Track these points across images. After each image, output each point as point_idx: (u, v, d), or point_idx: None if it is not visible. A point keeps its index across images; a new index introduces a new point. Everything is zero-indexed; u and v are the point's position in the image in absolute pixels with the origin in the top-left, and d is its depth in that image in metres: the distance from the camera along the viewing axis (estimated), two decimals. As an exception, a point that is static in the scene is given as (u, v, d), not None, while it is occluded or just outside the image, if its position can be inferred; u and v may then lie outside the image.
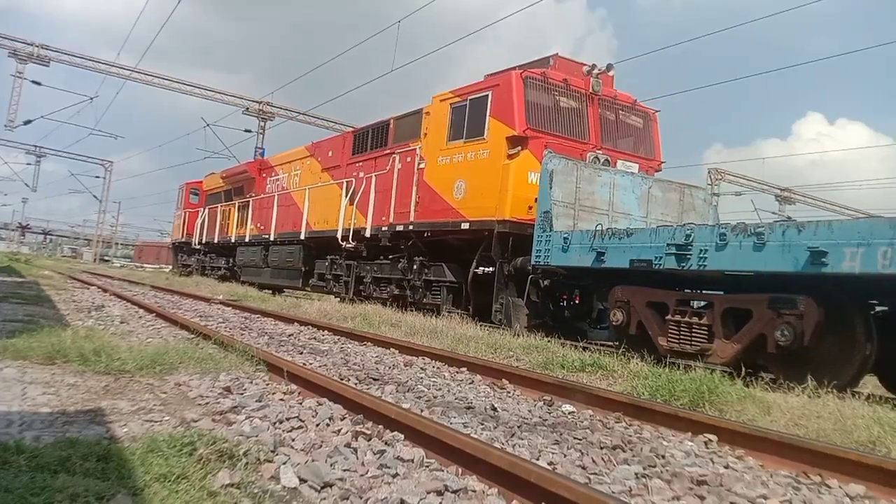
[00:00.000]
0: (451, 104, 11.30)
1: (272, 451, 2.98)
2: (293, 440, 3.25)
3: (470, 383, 5.58)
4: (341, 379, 5.04)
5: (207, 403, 3.95)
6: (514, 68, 10.55)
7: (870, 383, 7.21)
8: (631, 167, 10.58)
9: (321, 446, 3.16)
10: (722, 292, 6.91)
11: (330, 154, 15.94)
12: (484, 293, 10.23)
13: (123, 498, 2.24)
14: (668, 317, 7.10)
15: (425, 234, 11.59)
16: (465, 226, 10.49)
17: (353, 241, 13.60)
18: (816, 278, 5.78)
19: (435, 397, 4.80)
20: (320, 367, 5.75)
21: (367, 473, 2.83)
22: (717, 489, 3.03)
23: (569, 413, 4.63)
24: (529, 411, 4.59)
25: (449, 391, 5.09)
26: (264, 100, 33.40)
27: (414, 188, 11.79)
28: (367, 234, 13.02)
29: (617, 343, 7.82)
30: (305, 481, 2.66)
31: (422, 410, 4.21)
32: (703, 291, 7.24)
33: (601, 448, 3.61)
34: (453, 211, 10.78)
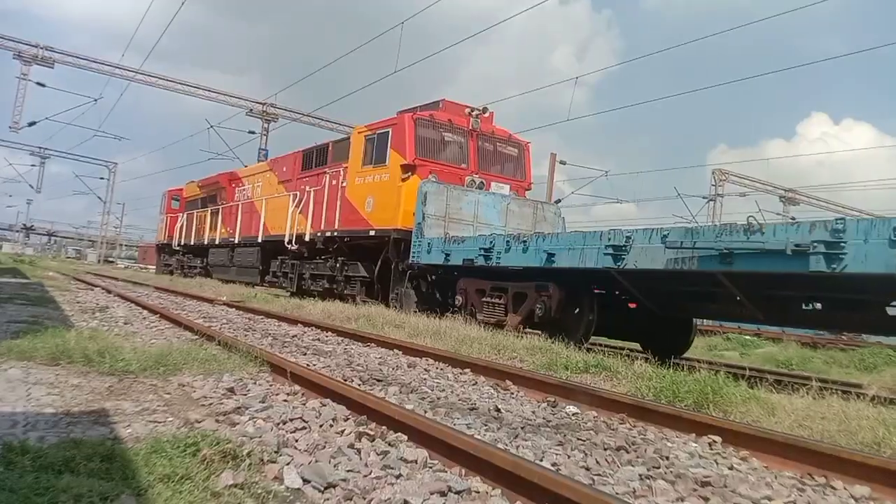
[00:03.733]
0: (365, 136, 13.75)
1: (276, 452, 2.98)
2: (297, 441, 3.25)
3: (473, 384, 5.57)
4: (345, 380, 5.04)
5: (211, 404, 3.95)
6: (414, 108, 13.35)
7: (874, 384, 7.19)
8: (503, 188, 13.31)
9: (325, 447, 3.16)
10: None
11: (284, 169, 18.38)
12: (388, 285, 12.80)
13: (127, 498, 2.24)
14: (484, 299, 10.08)
15: (346, 239, 14.13)
16: (372, 233, 12.99)
17: (296, 244, 16.04)
18: (553, 271, 8.63)
19: (438, 398, 4.79)
20: (324, 368, 5.75)
21: (370, 474, 2.83)
22: (722, 490, 3.02)
23: (573, 414, 4.63)
24: (533, 412, 4.58)
25: (452, 392, 5.08)
26: (268, 101, 33.44)
27: (338, 202, 14.32)
28: (307, 238, 15.47)
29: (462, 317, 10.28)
30: (309, 482, 2.66)
31: (425, 411, 4.21)
32: (507, 281, 9.81)
33: (605, 449, 3.61)
34: (365, 221, 13.29)
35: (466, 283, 10.65)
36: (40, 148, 46.35)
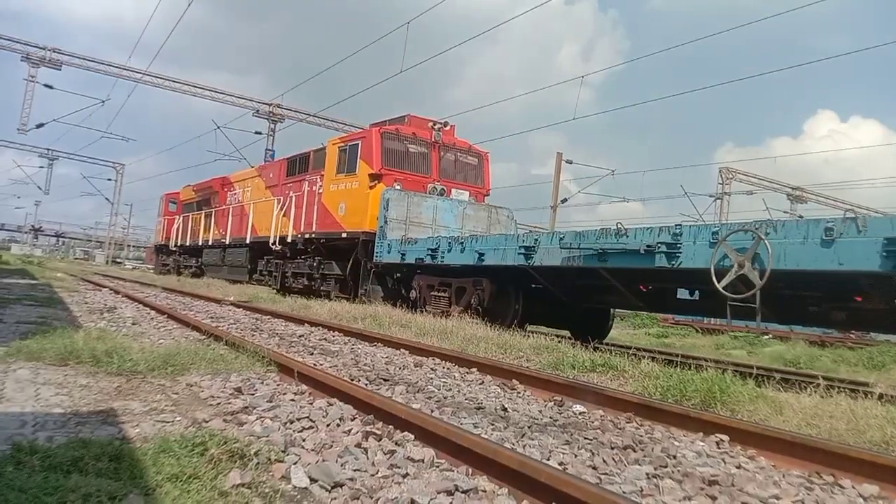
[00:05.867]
0: (339, 147, 15.11)
1: (283, 451, 2.99)
2: (304, 440, 3.26)
3: (480, 384, 5.57)
4: (352, 379, 5.05)
5: (219, 404, 3.97)
6: (382, 122, 14.71)
7: (882, 383, 7.14)
8: (462, 194, 14.62)
9: (332, 446, 3.17)
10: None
11: (271, 175, 19.62)
12: (358, 282, 14.10)
13: (135, 498, 2.26)
14: (433, 293, 11.53)
15: (322, 241, 15.37)
16: (344, 235, 14.29)
17: (280, 244, 17.30)
18: (485, 268, 9.98)
19: (445, 398, 4.80)
20: (331, 367, 5.76)
21: (377, 473, 2.84)
22: (729, 489, 3.01)
23: (579, 413, 4.62)
24: (540, 412, 4.58)
25: (459, 391, 5.09)
26: (274, 102, 33.50)
27: (316, 206, 15.59)
28: (289, 239, 16.75)
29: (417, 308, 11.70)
30: (316, 481, 2.67)
31: (432, 411, 4.21)
32: (452, 277, 11.16)
33: (612, 448, 3.60)
34: (338, 224, 14.57)
35: (420, 280, 12.12)
36: (48, 149, 46.61)
